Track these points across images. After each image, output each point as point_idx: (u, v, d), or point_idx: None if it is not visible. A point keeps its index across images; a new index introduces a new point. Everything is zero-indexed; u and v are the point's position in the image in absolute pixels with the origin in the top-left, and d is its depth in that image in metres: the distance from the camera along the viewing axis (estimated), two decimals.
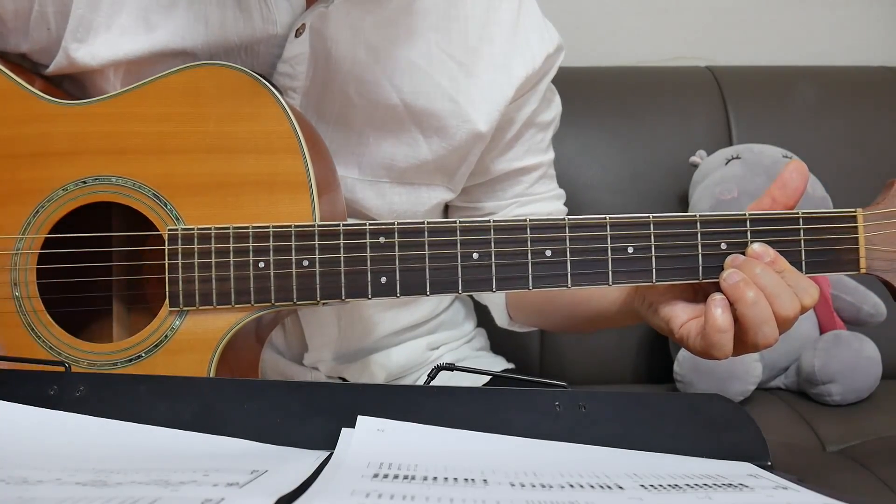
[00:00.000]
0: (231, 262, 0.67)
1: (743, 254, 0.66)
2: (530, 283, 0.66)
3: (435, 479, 0.44)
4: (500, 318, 0.99)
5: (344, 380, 0.93)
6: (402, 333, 0.97)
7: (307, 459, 0.48)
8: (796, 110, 1.40)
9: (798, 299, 0.64)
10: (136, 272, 0.77)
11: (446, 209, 0.97)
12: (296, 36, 0.75)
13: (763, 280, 0.63)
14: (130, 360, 0.68)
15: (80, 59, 0.73)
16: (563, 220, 0.66)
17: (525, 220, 0.66)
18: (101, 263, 0.74)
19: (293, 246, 0.67)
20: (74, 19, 0.73)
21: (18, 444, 0.51)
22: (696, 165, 1.33)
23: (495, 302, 0.98)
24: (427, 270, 0.66)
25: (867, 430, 1.10)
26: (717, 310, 0.64)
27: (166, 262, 0.67)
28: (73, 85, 0.77)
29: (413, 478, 0.44)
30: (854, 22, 1.60)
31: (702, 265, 0.66)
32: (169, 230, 0.68)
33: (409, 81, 0.81)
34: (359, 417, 0.52)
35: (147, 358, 0.68)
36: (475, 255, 0.66)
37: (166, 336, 0.68)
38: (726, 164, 1.28)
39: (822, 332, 1.23)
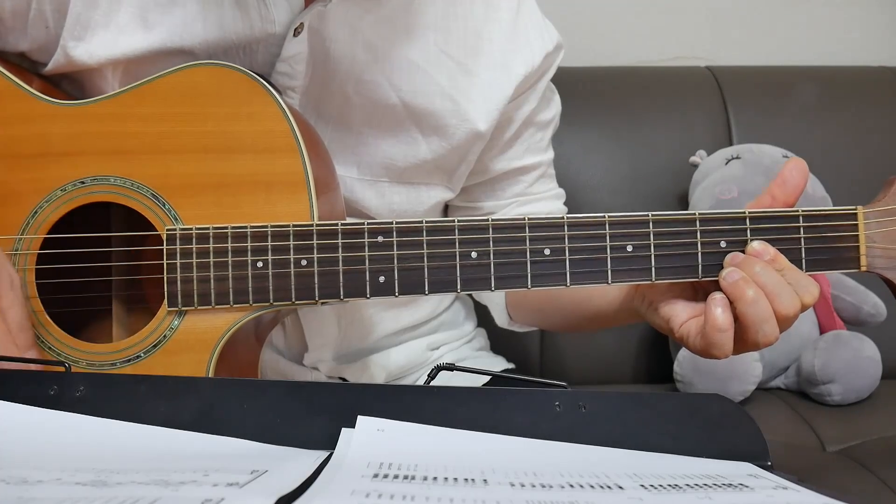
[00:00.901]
0: (229, 261, 0.67)
1: (743, 252, 0.66)
2: (529, 282, 0.66)
3: (435, 479, 0.44)
4: (500, 318, 0.99)
5: (344, 380, 0.93)
6: (402, 333, 0.97)
7: (307, 459, 0.48)
8: (796, 110, 1.40)
9: (798, 297, 0.63)
10: (135, 272, 0.77)
11: (446, 209, 0.96)
12: (294, 35, 0.75)
13: (763, 278, 0.63)
14: (129, 361, 0.68)
15: (78, 57, 0.73)
16: (562, 218, 0.66)
17: (524, 219, 0.66)
18: (100, 263, 0.74)
19: (291, 245, 0.67)
20: (72, 17, 0.73)
21: (18, 444, 0.51)
22: (696, 165, 1.33)
23: (495, 301, 0.97)
24: (425, 269, 0.66)
25: (867, 430, 1.10)
26: (717, 309, 0.64)
27: (164, 262, 0.67)
28: (71, 85, 0.77)
29: (413, 478, 0.43)
30: (854, 22, 1.61)
31: (701, 263, 0.66)
32: (167, 230, 0.68)
33: (407, 80, 0.81)
34: (359, 417, 0.52)
35: (146, 358, 0.68)
36: (473, 255, 0.66)
37: (165, 336, 0.68)
38: (726, 164, 1.28)
39: (822, 332, 1.23)
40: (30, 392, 0.54)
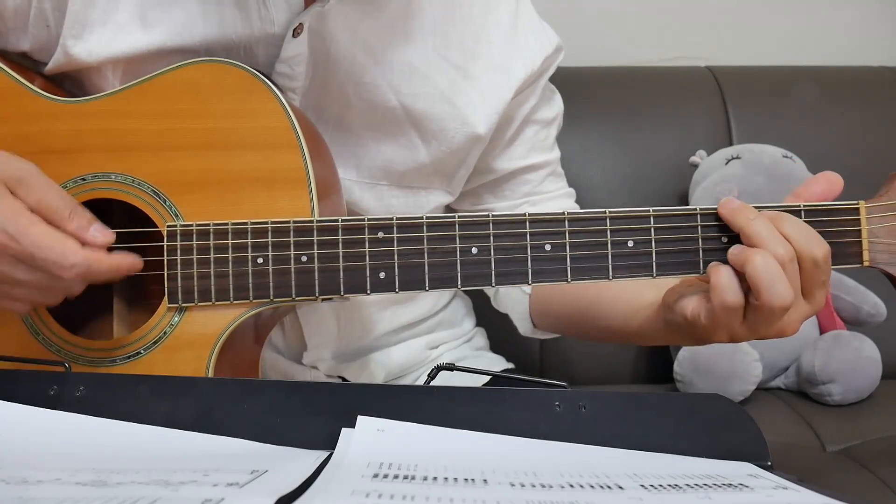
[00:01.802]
0: (230, 258, 0.67)
1: None
2: (529, 278, 0.66)
3: (435, 479, 0.44)
4: (523, 327, 0.96)
5: (343, 379, 0.92)
6: (401, 332, 0.97)
7: (307, 459, 0.48)
8: (796, 110, 1.40)
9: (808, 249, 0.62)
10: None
11: (447, 212, 0.96)
12: (293, 36, 0.75)
13: (765, 233, 0.62)
14: (129, 357, 0.68)
15: (77, 55, 0.73)
16: (563, 214, 0.66)
17: (524, 215, 0.66)
18: None
19: (292, 242, 0.67)
20: (71, 15, 0.73)
21: (18, 444, 0.51)
22: (696, 165, 1.33)
23: (517, 311, 0.95)
24: (426, 265, 0.66)
25: (867, 430, 1.10)
26: (720, 268, 0.63)
27: (165, 258, 0.67)
28: (72, 84, 0.77)
29: (413, 478, 0.43)
30: (854, 22, 1.61)
31: (703, 259, 0.66)
32: (168, 227, 0.68)
33: (407, 84, 0.81)
34: (359, 417, 0.52)
35: (146, 355, 0.68)
36: (474, 250, 0.66)
37: (165, 333, 0.68)
38: (726, 164, 1.28)
39: (822, 332, 1.23)
40: (30, 392, 0.54)
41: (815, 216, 0.66)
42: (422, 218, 0.66)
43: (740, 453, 0.52)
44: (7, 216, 0.60)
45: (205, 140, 0.68)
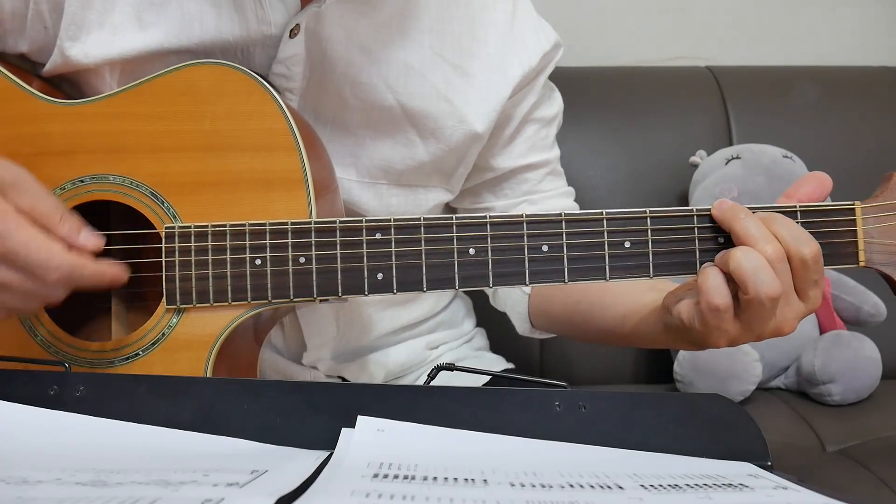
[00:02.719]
0: (228, 259, 0.67)
1: None
2: (527, 279, 0.66)
3: (435, 479, 0.44)
4: (522, 326, 0.96)
5: (343, 379, 0.92)
6: (400, 332, 0.96)
7: (307, 459, 0.48)
8: (796, 110, 1.40)
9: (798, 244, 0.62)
10: (134, 270, 0.77)
11: (446, 210, 0.96)
12: (290, 37, 0.75)
13: (752, 228, 0.62)
14: (128, 358, 0.68)
15: (74, 57, 0.73)
16: (560, 215, 0.66)
17: (521, 216, 0.66)
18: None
19: (290, 243, 0.67)
20: (67, 17, 0.72)
21: (18, 444, 0.50)
22: (696, 165, 1.33)
23: (517, 311, 0.95)
24: (424, 266, 0.66)
25: (867, 430, 1.10)
26: (707, 270, 0.63)
27: (163, 259, 0.67)
28: (70, 86, 0.77)
29: (413, 478, 0.43)
30: (854, 22, 1.61)
31: (699, 259, 0.66)
32: (166, 228, 0.68)
33: (403, 83, 0.81)
34: (359, 417, 0.52)
35: (144, 356, 0.68)
36: (471, 251, 0.66)
37: (163, 334, 0.68)
38: (726, 164, 1.28)
39: (822, 332, 1.23)
40: (30, 392, 0.54)
41: (810, 217, 0.66)
42: (419, 219, 0.66)
43: (740, 453, 0.52)
44: None
45: (203, 142, 0.68)
